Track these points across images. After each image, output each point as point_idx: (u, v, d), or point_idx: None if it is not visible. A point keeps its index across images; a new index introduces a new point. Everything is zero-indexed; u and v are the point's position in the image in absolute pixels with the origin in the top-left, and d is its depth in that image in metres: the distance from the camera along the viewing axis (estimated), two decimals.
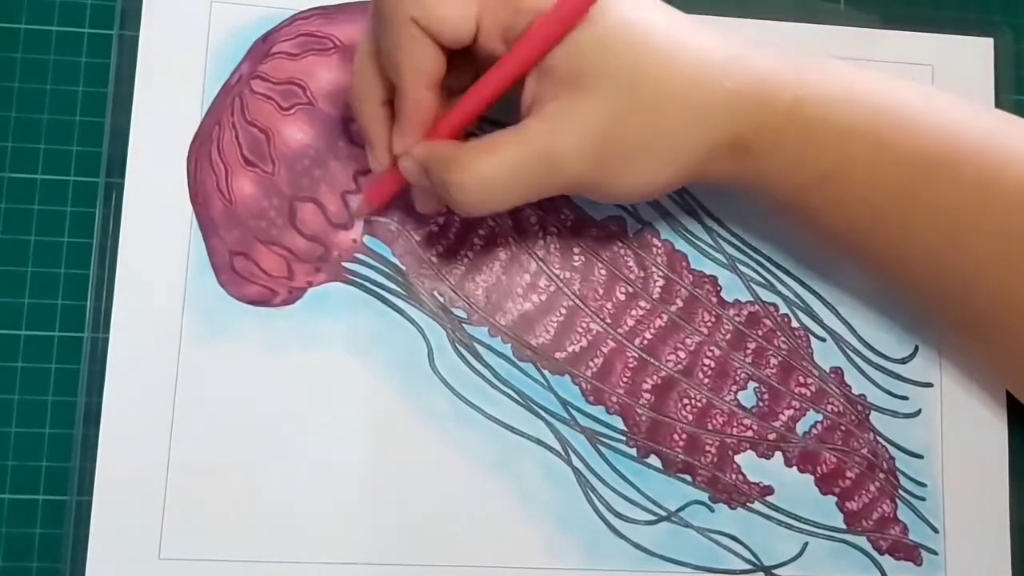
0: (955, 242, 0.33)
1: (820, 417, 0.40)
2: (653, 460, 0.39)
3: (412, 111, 0.33)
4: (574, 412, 0.39)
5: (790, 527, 0.39)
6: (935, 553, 0.39)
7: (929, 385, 0.41)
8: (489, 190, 0.32)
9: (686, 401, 0.39)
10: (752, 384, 0.40)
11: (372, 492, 0.38)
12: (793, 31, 0.42)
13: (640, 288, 0.40)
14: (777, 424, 0.40)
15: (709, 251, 0.41)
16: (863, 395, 0.40)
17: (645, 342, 0.40)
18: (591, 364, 0.39)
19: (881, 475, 0.40)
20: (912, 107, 0.33)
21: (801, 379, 0.40)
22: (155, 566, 0.36)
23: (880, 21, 0.42)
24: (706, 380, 0.40)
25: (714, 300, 0.40)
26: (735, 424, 0.40)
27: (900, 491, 0.40)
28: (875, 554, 0.39)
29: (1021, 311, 0.33)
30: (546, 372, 0.39)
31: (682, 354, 0.40)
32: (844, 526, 0.39)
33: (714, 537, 0.39)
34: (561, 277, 0.40)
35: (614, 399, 0.39)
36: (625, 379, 0.39)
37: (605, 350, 0.39)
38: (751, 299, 0.40)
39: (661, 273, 0.40)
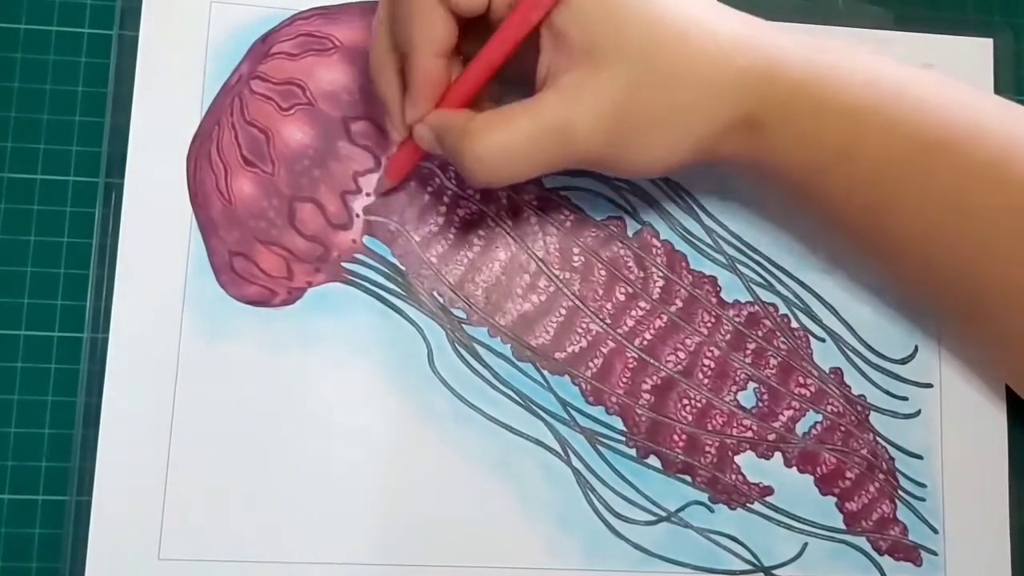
0: (964, 224, 0.33)
1: (820, 417, 0.40)
2: (653, 460, 0.39)
3: (422, 80, 0.33)
4: (574, 412, 0.39)
5: (790, 527, 0.39)
6: (935, 554, 0.39)
7: (929, 386, 0.41)
8: (503, 161, 0.32)
9: (686, 401, 0.39)
10: (752, 384, 0.40)
11: (372, 492, 0.38)
12: (793, 31, 0.41)
13: (640, 288, 0.40)
14: (777, 424, 0.40)
15: (709, 251, 0.41)
16: (863, 395, 0.40)
17: (645, 342, 0.40)
18: (591, 364, 0.39)
19: (881, 476, 0.40)
20: (923, 90, 0.33)
21: (801, 379, 0.40)
22: (155, 566, 0.36)
23: (880, 21, 0.42)
24: (706, 380, 0.40)
25: (714, 300, 0.40)
26: (735, 424, 0.40)
27: (900, 492, 0.40)
28: (875, 555, 0.39)
29: None
30: (546, 372, 0.39)
31: (682, 354, 0.40)
32: (844, 527, 0.39)
33: (714, 537, 0.39)
34: (561, 277, 0.40)
35: (614, 399, 0.39)
36: (625, 379, 0.39)
37: (605, 350, 0.39)
38: (751, 299, 0.40)
39: (661, 273, 0.40)
